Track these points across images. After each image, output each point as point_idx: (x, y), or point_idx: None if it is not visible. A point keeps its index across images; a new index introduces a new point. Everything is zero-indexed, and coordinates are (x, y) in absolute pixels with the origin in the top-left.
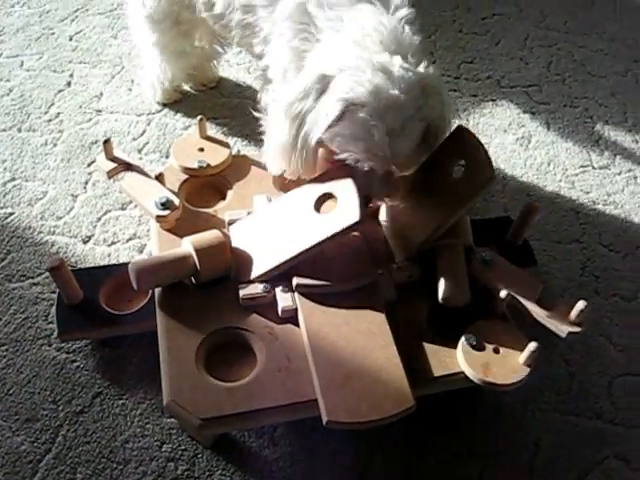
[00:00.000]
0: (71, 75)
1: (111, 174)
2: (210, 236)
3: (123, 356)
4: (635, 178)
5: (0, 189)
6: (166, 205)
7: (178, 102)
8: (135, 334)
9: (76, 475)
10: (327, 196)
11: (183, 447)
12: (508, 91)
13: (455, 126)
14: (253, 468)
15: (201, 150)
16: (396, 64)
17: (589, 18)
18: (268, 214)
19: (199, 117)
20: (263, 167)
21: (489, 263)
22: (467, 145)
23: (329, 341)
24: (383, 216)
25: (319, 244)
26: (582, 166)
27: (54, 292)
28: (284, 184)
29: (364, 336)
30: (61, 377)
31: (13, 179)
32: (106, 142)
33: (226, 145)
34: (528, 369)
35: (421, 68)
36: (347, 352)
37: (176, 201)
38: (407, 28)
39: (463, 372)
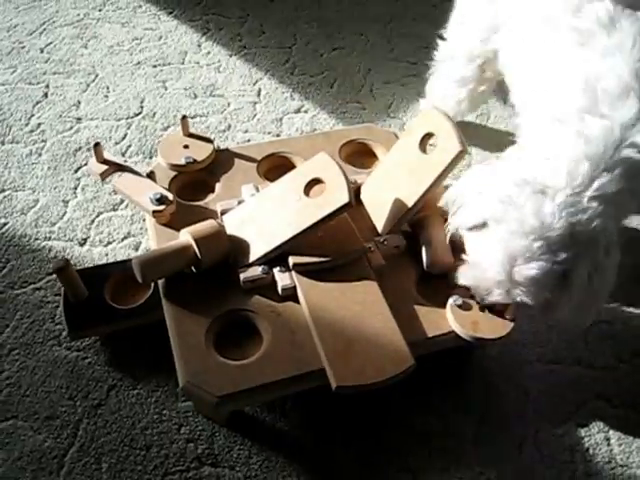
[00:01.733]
0: (47, 86)
1: (104, 176)
2: (207, 226)
3: (132, 349)
4: None
5: None
6: (161, 200)
7: (156, 104)
8: (140, 327)
9: (101, 465)
10: (315, 181)
11: (200, 428)
12: None
13: (425, 110)
14: (268, 441)
15: (186, 147)
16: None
17: None
18: (259, 201)
19: (182, 116)
20: (246, 159)
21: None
22: (437, 122)
23: (329, 313)
24: (364, 194)
25: (313, 226)
26: None
27: (58, 295)
28: (268, 172)
29: (360, 305)
30: (75, 374)
31: (3, 190)
32: (96, 145)
33: (209, 140)
34: (512, 323)
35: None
36: (347, 321)
37: (170, 196)
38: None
39: (454, 331)
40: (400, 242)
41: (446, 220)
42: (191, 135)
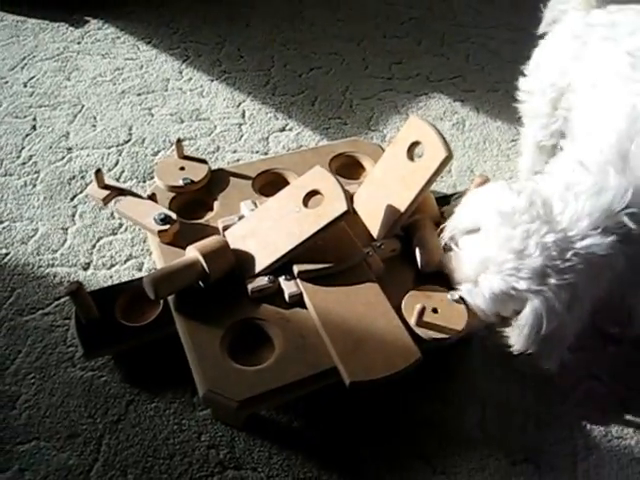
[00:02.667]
0: (34, 119)
1: (106, 201)
2: (212, 241)
3: (145, 365)
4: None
5: None
6: (165, 220)
7: (144, 130)
8: (150, 343)
9: (127, 476)
10: (313, 193)
11: (220, 434)
12: (437, 84)
13: (410, 119)
14: (286, 440)
15: (182, 169)
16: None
17: (494, 12)
18: (259, 216)
19: (177, 139)
20: (241, 177)
21: None
22: (422, 131)
23: (336, 315)
24: (357, 203)
25: (314, 235)
26: (513, 140)
27: (67, 318)
28: (263, 188)
29: (365, 306)
30: (92, 393)
31: (1, 222)
32: (98, 172)
33: (204, 161)
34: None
35: None
36: (353, 321)
37: (173, 215)
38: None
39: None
40: (396, 245)
41: (437, 223)
42: (186, 157)
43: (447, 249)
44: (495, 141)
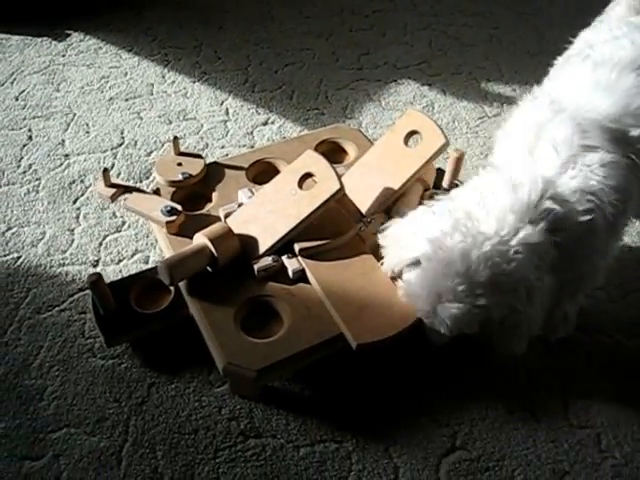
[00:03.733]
0: (29, 130)
1: (114, 198)
2: (217, 227)
3: (161, 349)
4: None
5: (1, 239)
6: (172, 212)
7: (135, 133)
8: (164, 329)
9: (156, 453)
10: (306, 176)
11: (239, 407)
12: (404, 71)
13: (407, 111)
14: (301, 408)
15: (179, 165)
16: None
17: (450, 0)
18: (258, 201)
19: (173, 137)
20: (235, 168)
21: None
22: (420, 121)
23: (337, 286)
24: (347, 183)
25: (312, 214)
26: (480, 118)
27: (82, 313)
28: (256, 177)
29: (363, 276)
30: (115, 379)
31: (9, 228)
32: (105, 171)
33: (199, 156)
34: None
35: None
36: (354, 290)
37: (179, 207)
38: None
39: None
40: (384, 219)
41: (421, 196)
42: (182, 154)
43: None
44: (463, 120)
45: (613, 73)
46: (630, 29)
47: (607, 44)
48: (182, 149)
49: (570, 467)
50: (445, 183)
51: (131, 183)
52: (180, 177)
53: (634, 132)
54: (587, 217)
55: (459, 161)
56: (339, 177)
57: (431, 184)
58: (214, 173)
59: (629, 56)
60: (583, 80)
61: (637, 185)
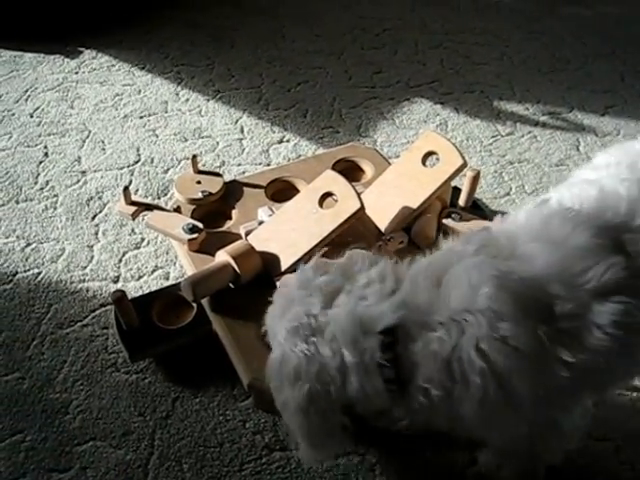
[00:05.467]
0: (45, 147)
1: (135, 215)
2: (240, 245)
3: (184, 365)
4: (535, 137)
5: (20, 255)
6: (193, 229)
7: (151, 150)
8: (186, 344)
9: (182, 466)
10: (326, 195)
11: (263, 420)
12: (417, 90)
13: (425, 133)
14: None
15: (199, 183)
16: None
17: (460, 19)
18: (278, 219)
19: (192, 155)
20: (253, 186)
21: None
22: (438, 142)
23: None
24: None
25: (333, 232)
26: (493, 136)
27: (105, 328)
28: (274, 195)
29: None
30: (139, 394)
31: (29, 244)
32: (125, 189)
33: (218, 174)
34: None
35: None
36: None
37: (200, 225)
38: None
39: None
40: (404, 237)
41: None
42: (200, 172)
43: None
44: (477, 138)
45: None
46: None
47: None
48: (199, 167)
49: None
50: (462, 201)
51: (149, 200)
52: (200, 195)
53: None
54: None
55: (475, 180)
56: (359, 196)
57: (448, 202)
58: (233, 191)
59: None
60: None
61: None
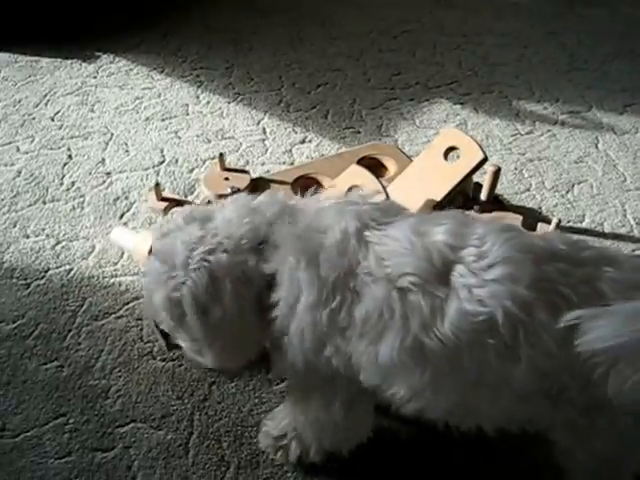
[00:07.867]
0: (68, 149)
1: (166, 211)
2: None
3: None
4: (555, 135)
5: (51, 252)
6: None
7: (175, 151)
8: None
9: (222, 444)
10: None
11: None
12: (436, 90)
13: (445, 129)
14: None
15: (226, 179)
16: None
17: (478, 20)
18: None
19: (219, 154)
20: (279, 182)
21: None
22: (458, 138)
23: None
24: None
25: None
26: (513, 135)
27: (139, 319)
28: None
29: None
30: (176, 379)
31: (58, 242)
32: (157, 186)
33: (245, 171)
34: None
35: None
36: None
37: None
38: None
39: None
40: None
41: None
42: (227, 169)
43: None
44: (497, 137)
45: None
46: None
47: None
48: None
49: None
50: (483, 196)
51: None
52: (229, 191)
53: None
54: None
55: (496, 175)
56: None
57: (470, 195)
58: (260, 187)
59: None
60: None
61: None
